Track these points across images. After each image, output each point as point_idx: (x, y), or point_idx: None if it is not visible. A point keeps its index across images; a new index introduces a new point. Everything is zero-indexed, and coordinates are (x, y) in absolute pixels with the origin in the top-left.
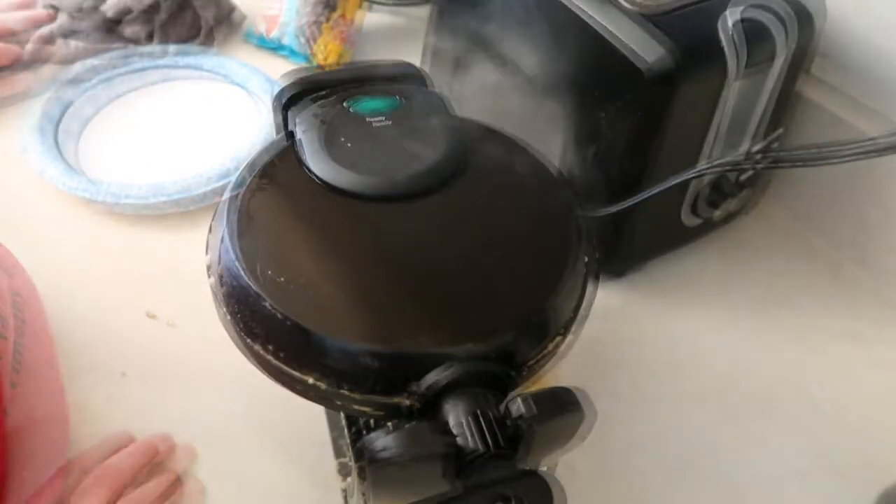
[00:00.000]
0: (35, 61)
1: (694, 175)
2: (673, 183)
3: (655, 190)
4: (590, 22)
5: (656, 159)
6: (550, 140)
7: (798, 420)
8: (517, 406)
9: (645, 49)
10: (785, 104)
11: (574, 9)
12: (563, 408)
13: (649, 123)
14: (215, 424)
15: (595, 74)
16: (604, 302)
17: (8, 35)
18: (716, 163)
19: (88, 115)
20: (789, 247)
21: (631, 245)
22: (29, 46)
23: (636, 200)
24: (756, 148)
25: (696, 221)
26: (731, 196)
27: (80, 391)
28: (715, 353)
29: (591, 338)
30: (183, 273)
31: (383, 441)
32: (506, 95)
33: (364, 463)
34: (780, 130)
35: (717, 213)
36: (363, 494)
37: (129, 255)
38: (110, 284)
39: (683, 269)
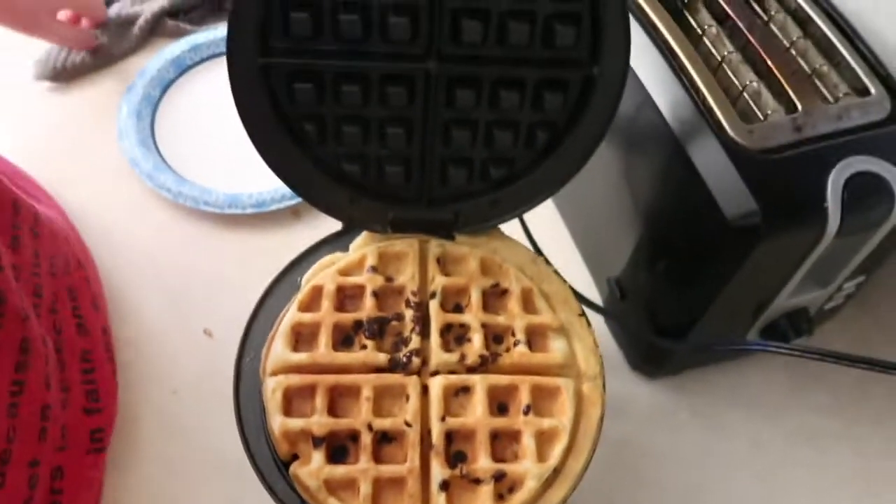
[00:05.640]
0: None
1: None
2: (754, 349)
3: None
4: (689, 151)
5: (727, 296)
6: (622, 241)
7: None
8: None
9: (736, 197)
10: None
11: (677, 133)
12: None
13: (727, 266)
14: None
15: (682, 201)
16: (650, 400)
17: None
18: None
19: (183, 104)
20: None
21: (691, 351)
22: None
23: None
24: (848, 284)
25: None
26: (806, 334)
27: (132, 404)
28: (760, 481)
29: (624, 439)
30: (245, 287)
31: None
32: (593, 185)
33: None
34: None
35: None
36: None
37: (196, 261)
38: (173, 291)
39: (742, 378)
